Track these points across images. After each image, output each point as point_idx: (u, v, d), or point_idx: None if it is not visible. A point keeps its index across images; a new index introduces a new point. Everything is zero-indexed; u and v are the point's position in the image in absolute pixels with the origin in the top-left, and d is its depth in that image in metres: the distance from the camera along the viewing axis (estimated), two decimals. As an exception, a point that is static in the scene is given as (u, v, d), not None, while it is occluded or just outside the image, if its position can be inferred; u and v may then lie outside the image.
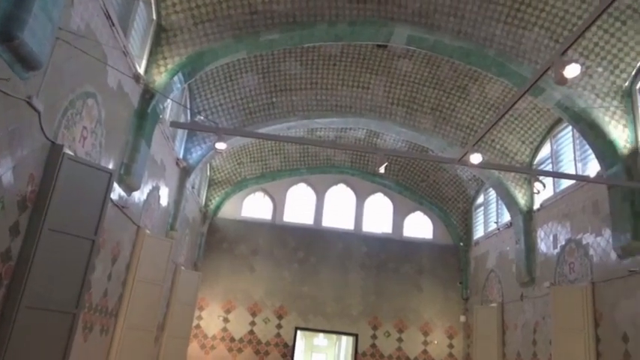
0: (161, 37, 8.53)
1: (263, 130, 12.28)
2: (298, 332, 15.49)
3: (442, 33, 9.47)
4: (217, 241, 15.78)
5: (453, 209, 16.43)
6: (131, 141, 7.90)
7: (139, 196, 8.85)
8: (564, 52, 4.18)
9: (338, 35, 9.64)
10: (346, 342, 17.64)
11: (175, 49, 8.65)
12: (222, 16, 8.80)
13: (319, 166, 16.65)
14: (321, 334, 17.99)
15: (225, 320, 15.11)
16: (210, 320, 15.02)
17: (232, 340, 14.94)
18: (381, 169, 6.48)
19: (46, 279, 5.19)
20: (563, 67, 4.14)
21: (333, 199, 16.91)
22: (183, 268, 12.24)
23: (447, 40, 9.53)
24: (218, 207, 15.95)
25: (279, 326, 15.26)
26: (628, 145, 8.69)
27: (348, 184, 17.03)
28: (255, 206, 16.55)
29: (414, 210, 16.97)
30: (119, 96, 7.29)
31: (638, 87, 8.79)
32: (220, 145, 6.33)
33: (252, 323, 15.19)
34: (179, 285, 11.82)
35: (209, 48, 8.96)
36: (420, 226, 16.89)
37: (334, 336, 17.66)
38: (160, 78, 8.48)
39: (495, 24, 9.10)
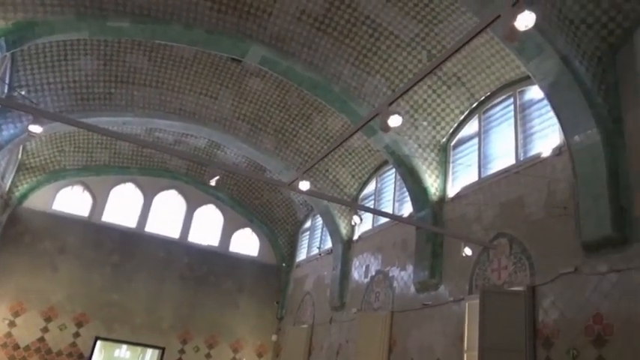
0: (-15, -7, 7.42)
1: (93, 121, 11.26)
2: (98, 342, 14.25)
3: (295, 61, 9.83)
4: (17, 234, 13.93)
5: (281, 230, 16.85)
6: None
7: None
8: (391, 103, 4.62)
9: (193, 40, 9.41)
10: (151, 355, 16.72)
11: (1, 12, 7.56)
12: (66, -12, 7.98)
13: (152, 168, 15.82)
14: (125, 346, 16.77)
15: (12, 324, 13.25)
16: (-7, 323, 13.07)
17: (16, 347, 13.12)
18: (212, 182, 6.39)
19: None
20: (388, 116, 4.58)
21: (161, 204, 16.13)
22: (-33, 260, 10.51)
23: (298, 69, 9.91)
24: (25, 195, 14.13)
25: (76, 335, 13.87)
26: (437, 194, 9.88)
27: (180, 191, 16.42)
28: (71, 200, 15.00)
29: (243, 226, 16.99)
30: None
31: (452, 144, 10.10)
32: (35, 128, 5.63)
33: (45, 329, 13.57)
34: (-42, 279, 10.11)
35: (44, 20, 8.03)
36: (247, 243, 16.94)
37: (139, 348, 16.58)
38: (-25, 38, 7.33)
39: (344, 64, 9.74)
